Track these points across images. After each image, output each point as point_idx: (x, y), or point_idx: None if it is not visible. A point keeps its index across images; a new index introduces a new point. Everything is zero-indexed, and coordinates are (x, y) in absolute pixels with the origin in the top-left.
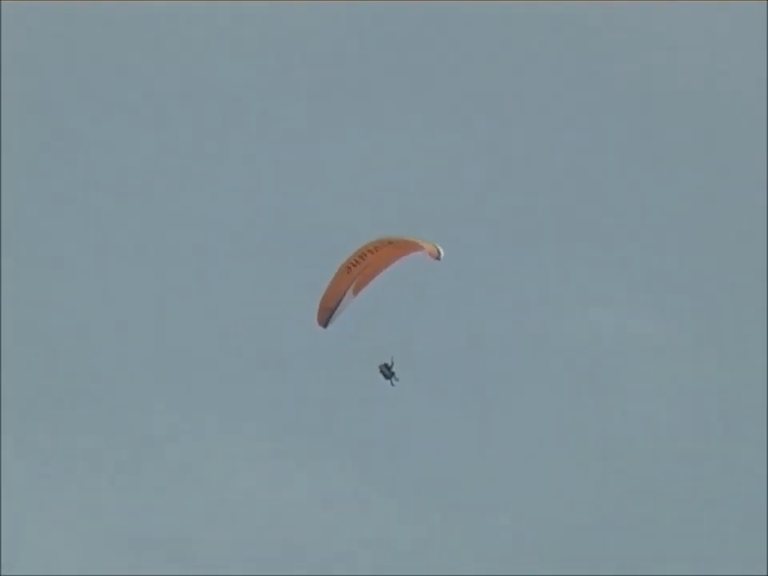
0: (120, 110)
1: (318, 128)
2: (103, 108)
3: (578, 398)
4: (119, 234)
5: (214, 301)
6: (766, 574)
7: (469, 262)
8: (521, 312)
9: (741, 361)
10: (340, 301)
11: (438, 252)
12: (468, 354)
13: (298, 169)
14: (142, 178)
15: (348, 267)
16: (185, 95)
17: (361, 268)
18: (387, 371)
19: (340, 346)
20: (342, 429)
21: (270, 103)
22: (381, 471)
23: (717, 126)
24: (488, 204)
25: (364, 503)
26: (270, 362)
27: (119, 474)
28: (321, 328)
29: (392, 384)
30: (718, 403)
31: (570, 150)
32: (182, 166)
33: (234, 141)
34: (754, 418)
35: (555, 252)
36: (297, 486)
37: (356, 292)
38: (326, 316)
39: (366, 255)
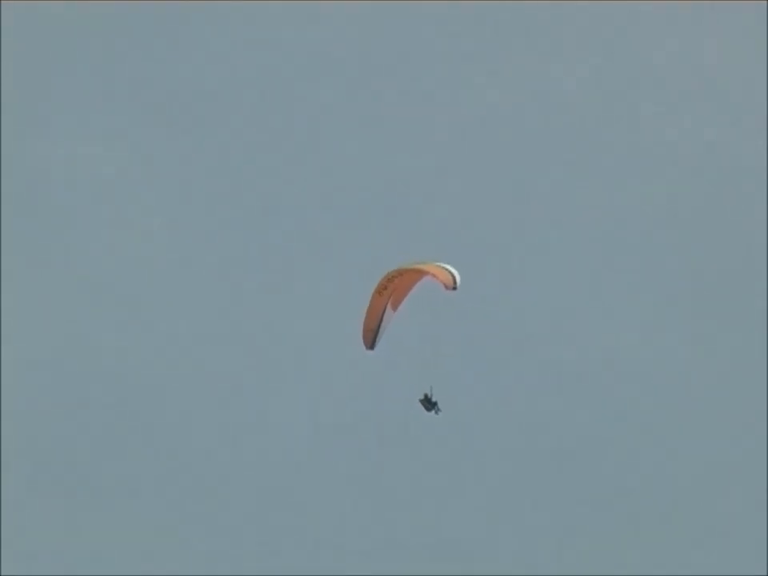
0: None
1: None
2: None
3: None
4: None
5: None
6: (766, 574)
7: None
8: None
9: None
10: (381, 319)
11: (454, 283)
12: None
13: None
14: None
15: (379, 291)
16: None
17: (391, 290)
18: (428, 404)
19: None
20: None
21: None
22: None
23: None
24: None
25: None
26: None
27: None
28: (369, 351)
29: (435, 413)
30: None
31: None
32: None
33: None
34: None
35: None
36: None
37: (394, 308)
38: (371, 337)
39: (393, 279)
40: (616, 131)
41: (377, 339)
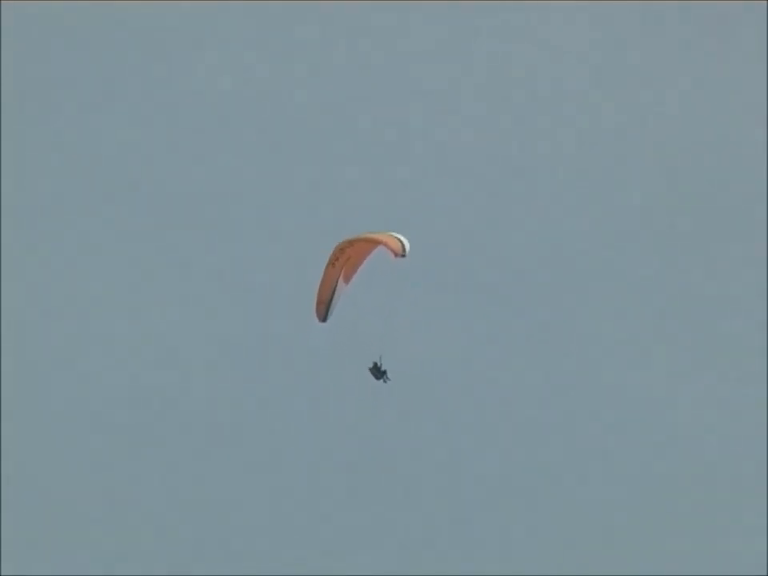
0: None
1: None
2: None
3: None
4: None
5: None
6: (766, 574)
7: None
8: None
9: None
10: (334, 291)
11: (403, 249)
12: None
13: None
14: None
15: (332, 263)
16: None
17: (343, 261)
18: (377, 372)
19: None
20: None
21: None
22: None
23: None
24: None
25: None
26: None
27: None
28: (320, 323)
29: (384, 382)
30: None
31: None
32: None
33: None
34: None
35: None
36: None
37: (346, 281)
38: (323, 309)
39: (344, 250)
40: (614, 131)
41: (329, 312)
